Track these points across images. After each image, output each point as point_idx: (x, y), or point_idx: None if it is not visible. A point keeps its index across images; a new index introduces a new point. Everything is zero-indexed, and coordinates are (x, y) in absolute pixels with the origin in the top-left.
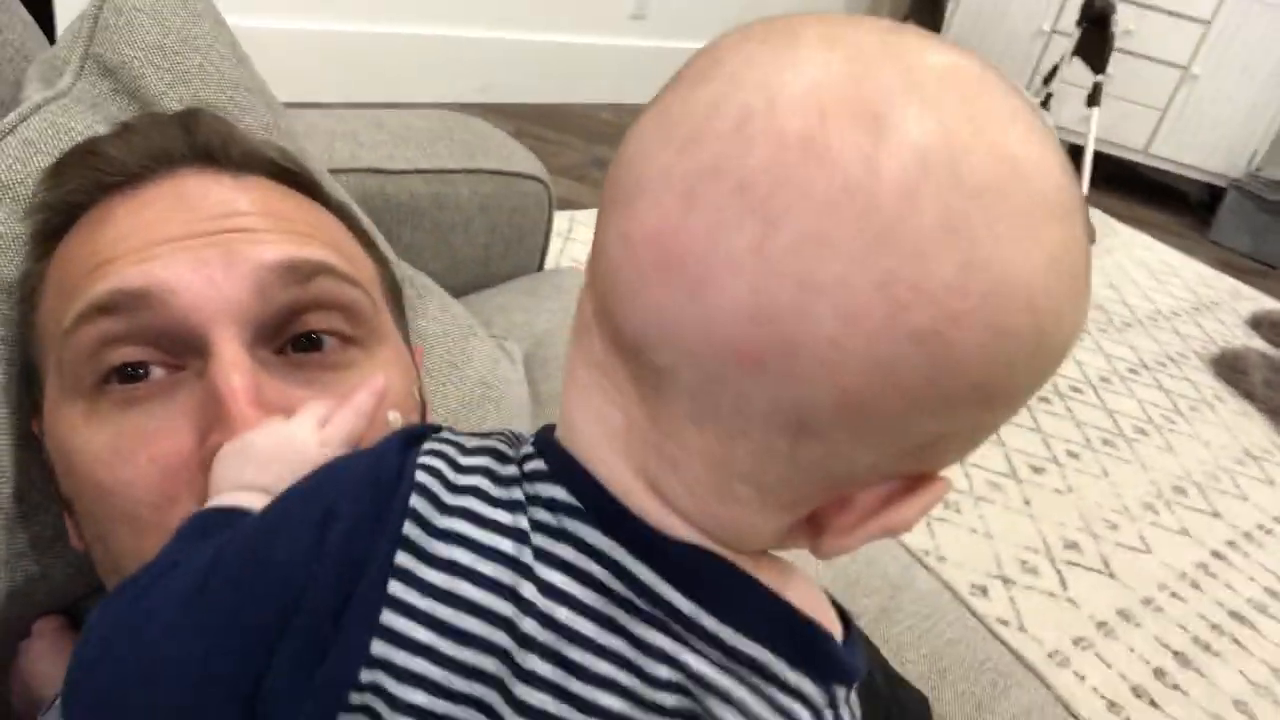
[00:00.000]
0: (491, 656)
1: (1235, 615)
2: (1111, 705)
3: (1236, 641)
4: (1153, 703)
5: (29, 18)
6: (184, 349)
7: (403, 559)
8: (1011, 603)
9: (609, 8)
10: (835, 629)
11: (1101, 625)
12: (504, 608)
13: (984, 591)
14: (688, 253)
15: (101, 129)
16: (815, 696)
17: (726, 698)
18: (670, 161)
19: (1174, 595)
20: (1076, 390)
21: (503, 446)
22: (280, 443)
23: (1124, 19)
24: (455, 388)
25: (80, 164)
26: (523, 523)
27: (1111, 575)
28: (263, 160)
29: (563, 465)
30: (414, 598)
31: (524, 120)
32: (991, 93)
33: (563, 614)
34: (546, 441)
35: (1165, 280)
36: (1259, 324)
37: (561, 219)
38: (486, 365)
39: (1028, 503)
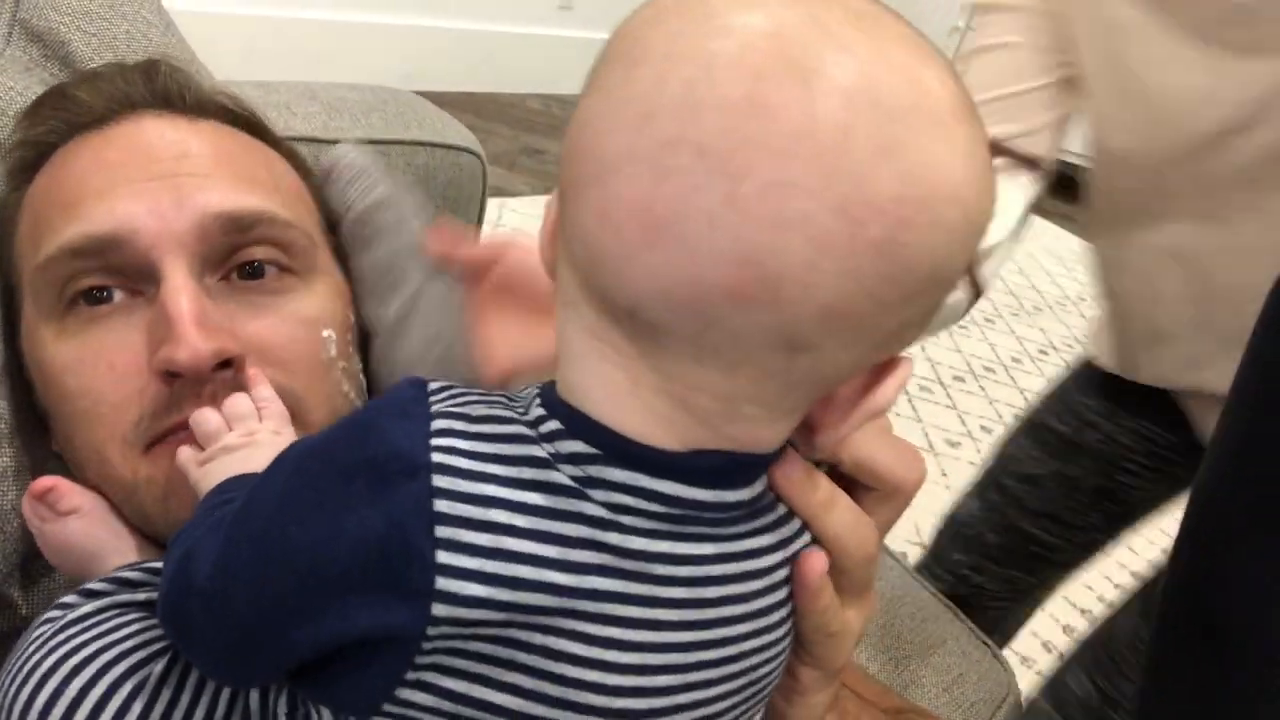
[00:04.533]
0: (542, 593)
1: None
2: None
3: None
4: None
5: None
6: (141, 278)
7: (442, 531)
8: None
9: None
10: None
11: None
12: (555, 551)
13: (904, 558)
14: (667, 218)
15: (40, 90)
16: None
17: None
18: (631, 139)
19: None
20: (989, 370)
21: (509, 412)
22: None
23: None
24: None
25: (53, 106)
26: (555, 476)
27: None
28: (216, 106)
29: (577, 422)
30: (462, 560)
31: (450, 108)
32: (891, 29)
33: (615, 538)
34: (554, 402)
35: (1072, 267)
36: None
37: (491, 206)
38: None
39: (944, 474)
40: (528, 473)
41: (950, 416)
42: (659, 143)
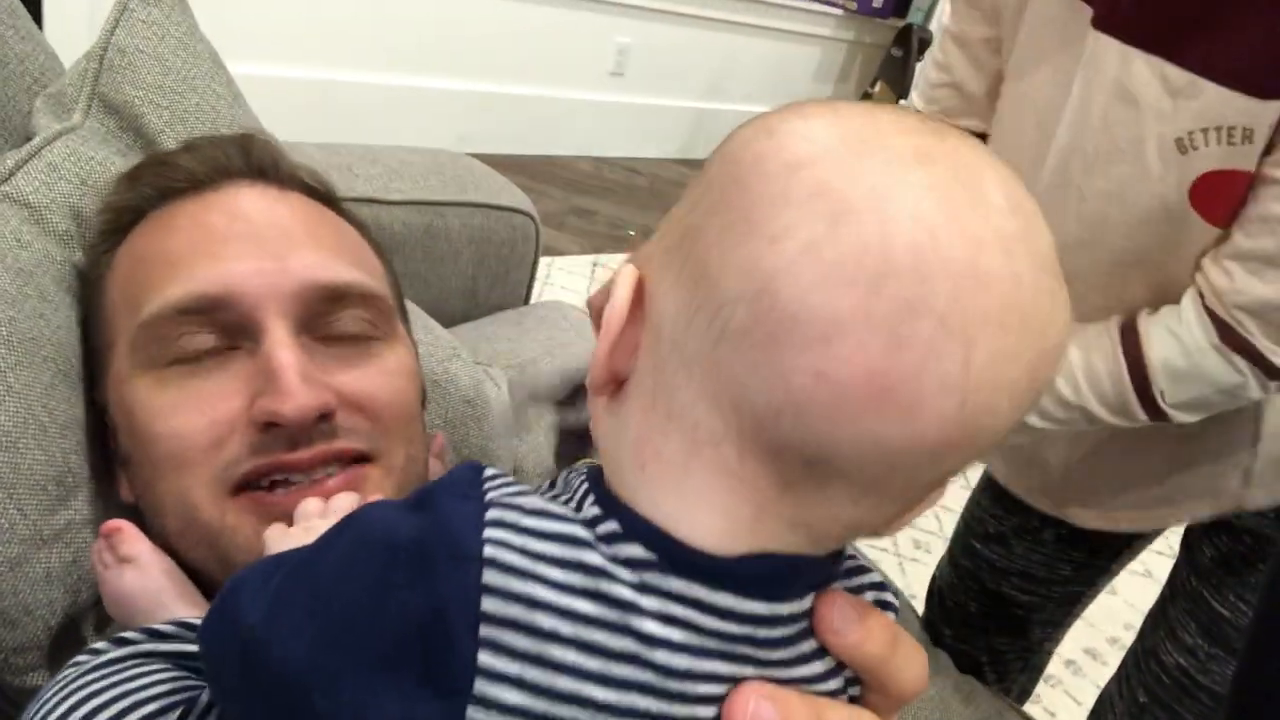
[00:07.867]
0: (579, 707)
1: None
2: None
3: None
4: None
5: (52, 49)
6: (241, 334)
7: (486, 631)
8: None
9: (589, 64)
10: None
11: (1070, 664)
12: (597, 664)
13: None
14: (900, 385)
15: (117, 160)
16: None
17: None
18: (861, 303)
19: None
20: None
21: (561, 508)
22: None
23: None
24: (439, 405)
25: (153, 171)
26: (608, 587)
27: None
28: (299, 180)
29: (638, 526)
30: (503, 664)
31: (502, 170)
32: (1027, 193)
33: (662, 656)
34: (612, 502)
35: None
36: None
37: (540, 264)
38: (469, 385)
39: None
40: (578, 579)
41: None
42: (895, 309)
